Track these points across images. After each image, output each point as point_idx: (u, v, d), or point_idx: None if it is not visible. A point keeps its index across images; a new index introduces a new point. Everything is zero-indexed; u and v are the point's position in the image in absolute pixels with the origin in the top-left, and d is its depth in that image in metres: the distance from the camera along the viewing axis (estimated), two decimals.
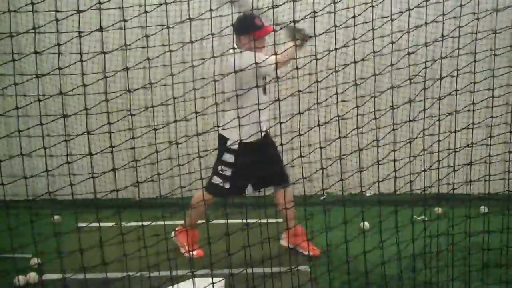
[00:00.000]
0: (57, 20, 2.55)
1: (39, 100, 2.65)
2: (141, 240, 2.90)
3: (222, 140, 4.00)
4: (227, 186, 4.14)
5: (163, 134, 3.00)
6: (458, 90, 3.33)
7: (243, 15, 3.98)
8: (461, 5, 3.16)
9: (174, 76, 2.88)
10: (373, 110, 3.18)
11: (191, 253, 4.08)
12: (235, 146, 3.88)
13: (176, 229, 4.33)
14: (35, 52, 2.54)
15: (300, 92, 2.95)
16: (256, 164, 3.77)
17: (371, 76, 3.16)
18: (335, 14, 2.96)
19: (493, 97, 3.45)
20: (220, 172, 4.11)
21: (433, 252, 3.43)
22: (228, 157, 4.04)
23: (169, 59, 2.92)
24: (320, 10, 2.99)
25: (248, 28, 3.97)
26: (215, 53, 2.75)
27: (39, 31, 2.54)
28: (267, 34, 4.04)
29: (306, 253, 4.17)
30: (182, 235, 4.22)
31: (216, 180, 4.14)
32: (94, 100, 2.82)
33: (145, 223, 2.85)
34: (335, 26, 2.98)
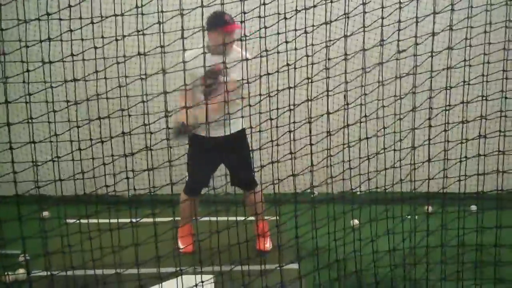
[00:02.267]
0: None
1: (28, 98, 2.64)
2: (129, 237, 2.89)
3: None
4: (187, 178, 4.29)
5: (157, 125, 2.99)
6: (452, 87, 3.34)
7: (213, 12, 4.00)
8: None
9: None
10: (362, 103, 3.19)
11: (179, 247, 4.30)
12: (190, 137, 4.12)
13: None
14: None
15: (291, 88, 2.97)
16: (206, 158, 4.12)
17: (358, 69, 3.16)
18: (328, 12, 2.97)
19: (486, 100, 3.44)
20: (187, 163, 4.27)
21: (424, 249, 3.44)
22: (188, 149, 4.25)
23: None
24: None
25: (215, 24, 3.99)
26: None
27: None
28: (233, 30, 4.03)
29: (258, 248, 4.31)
30: (180, 229, 4.46)
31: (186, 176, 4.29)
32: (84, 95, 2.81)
33: (134, 220, 2.85)
34: (326, 22, 2.99)
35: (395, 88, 3.25)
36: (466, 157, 3.39)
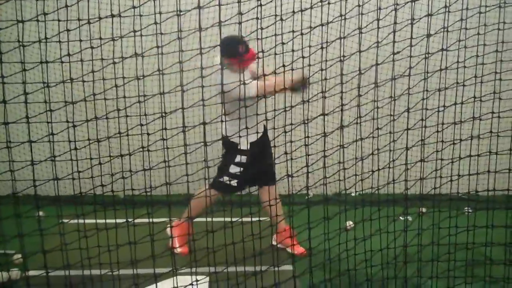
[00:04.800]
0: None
1: (25, 97, 2.63)
2: (124, 237, 2.89)
3: (232, 145, 4.28)
4: (234, 183, 4.43)
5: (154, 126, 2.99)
6: (444, 89, 3.37)
7: (228, 39, 3.99)
8: None
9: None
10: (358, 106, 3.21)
11: (176, 248, 4.24)
12: (246, 147, 4.26)
13: (174, 222, 4.44)
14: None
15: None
16: (260, 160, 4.38)
17: (353, 71, 3.17)
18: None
19: (480, 100, 3.48)
20: (232, 172, 4.41)
21: (416, 250, 3.47)
22: (242, 158, 4.38)
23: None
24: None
25: (231, 53, 4.07)
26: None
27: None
28: (248, 62, 4.15)
29: (290, 251, 4.22)
30: (177, 229, 4.39)
31: (225, 179, 4.43)
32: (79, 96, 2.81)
33: (129, 220, 2.85)
34: (322, 24, 3.00)
35: (390, 90, 3.29)
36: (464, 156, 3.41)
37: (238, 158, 4.41)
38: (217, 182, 4.48)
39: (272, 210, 4.14)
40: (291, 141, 3.14)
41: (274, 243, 4.41)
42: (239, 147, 4.30)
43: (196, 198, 4.38)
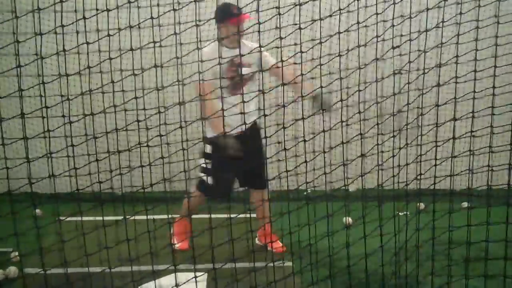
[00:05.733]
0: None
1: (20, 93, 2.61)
2: (123, 234, 2.87)
3: (204, 133, 3.95)
4: (210, 181, 4.17)
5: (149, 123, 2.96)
6: (442, 84, 3.35)
7: (221, 5, 4.02)
8: None
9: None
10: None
11: (175, 244, 4.24)
12: (213, 137, 3.92)
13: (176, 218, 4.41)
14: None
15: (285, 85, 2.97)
16: (237, 158, 3.83)
17: (355, 69, 3.16)
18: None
19: (474, 92, 3.46)
20: (203, 165, 4.15)
21: (415, 247, 3.46)
22: (208, 149, 4.08)
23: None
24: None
25: (224, 16, 4.02)
26: None
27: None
28: (242, 21, 4.04)
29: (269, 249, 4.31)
30: (177, 225, 4.37)
31: (201, 174, 4.20)
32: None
33: (127, 217, 2.83)
34: (320, 19, 2.98)
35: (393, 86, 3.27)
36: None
37: (206, 148, 4.11)
38: (197, 180, 4.26)
39: (259, 212, 4.15)
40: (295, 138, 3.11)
41: (258, 242, 4.44)
42: (207, 136, 3.99)
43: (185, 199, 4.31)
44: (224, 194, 4.14)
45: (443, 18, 3.21)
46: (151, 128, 2.89)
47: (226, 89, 3.90)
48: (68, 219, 2.88)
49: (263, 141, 3.84)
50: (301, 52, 3.01)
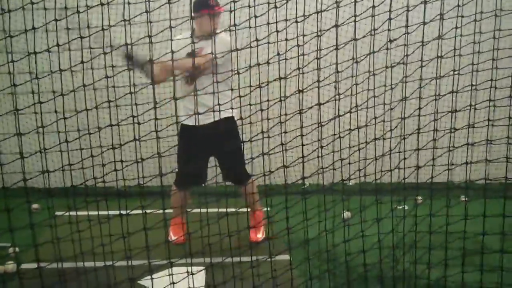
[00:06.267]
0: None
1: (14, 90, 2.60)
2: (118, 229, 2.87)
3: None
4: (177, 171, 4.30)
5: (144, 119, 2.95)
6: (441, 77, 3.33)
7: None
8: None
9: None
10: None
11: (170, 238, 4.31)
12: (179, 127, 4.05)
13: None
14: None
15: (282, 79, 2.95)
16: (196, 149, 4.07)
17: (348, 59, 3.14)
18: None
19: (476, 88, 3.44)
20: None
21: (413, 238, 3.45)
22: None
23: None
24: None
25: (199, 7, 4.01)
26: None
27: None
28: (216, 13, 4.02)
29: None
30: (172, 220, 4.45)
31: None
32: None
33: (123, 212, 2.83)
34: (318, 12, 2.96)
35: (385, 79, 3.25)
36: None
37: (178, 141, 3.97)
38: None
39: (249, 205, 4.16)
40: (286, 132, 3.11)
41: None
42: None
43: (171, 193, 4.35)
44: (187, 184, 4.26)
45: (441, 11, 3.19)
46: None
47: (182, 79, 4.11)
48: (63, 213, 2.88)
49: (239, 137, 4.04)
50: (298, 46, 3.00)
